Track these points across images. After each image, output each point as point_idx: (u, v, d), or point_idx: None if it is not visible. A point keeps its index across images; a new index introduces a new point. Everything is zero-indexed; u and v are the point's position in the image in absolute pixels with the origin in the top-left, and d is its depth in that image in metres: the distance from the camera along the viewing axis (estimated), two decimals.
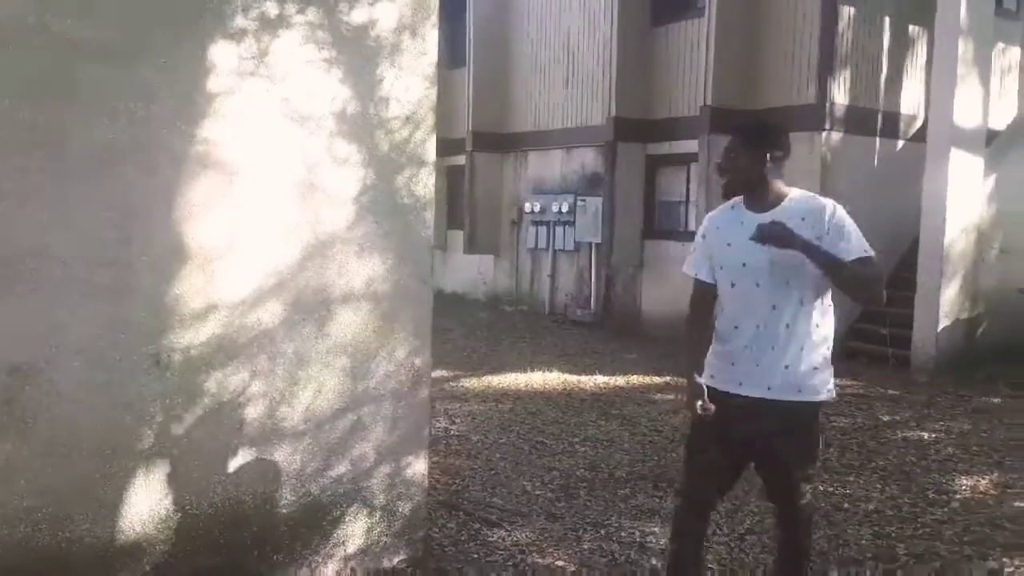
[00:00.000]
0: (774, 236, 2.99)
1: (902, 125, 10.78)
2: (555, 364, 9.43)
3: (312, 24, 3.52)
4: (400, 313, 3.86)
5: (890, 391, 8.44)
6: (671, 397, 8.03)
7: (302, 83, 3.51)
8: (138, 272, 3.17)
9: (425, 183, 3.87)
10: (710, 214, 3.41)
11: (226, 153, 3.34)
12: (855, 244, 3.05)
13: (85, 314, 3.06)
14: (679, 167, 11.70)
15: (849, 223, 3.09)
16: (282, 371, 3.55)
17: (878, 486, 5.49)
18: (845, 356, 9.68)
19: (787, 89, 10.25)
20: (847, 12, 10.01)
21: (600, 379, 8.83)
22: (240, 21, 3.34)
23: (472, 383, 8.53)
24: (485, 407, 7.52)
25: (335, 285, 3.66)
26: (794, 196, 3.19)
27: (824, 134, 10.01)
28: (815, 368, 3.15)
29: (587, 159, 12.83)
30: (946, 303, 9.06)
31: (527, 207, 13.69)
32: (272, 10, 3.42)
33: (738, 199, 3.27)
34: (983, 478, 5.67)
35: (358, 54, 3.65)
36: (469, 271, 15.17)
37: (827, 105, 9.95)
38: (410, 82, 3.79)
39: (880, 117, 10.54)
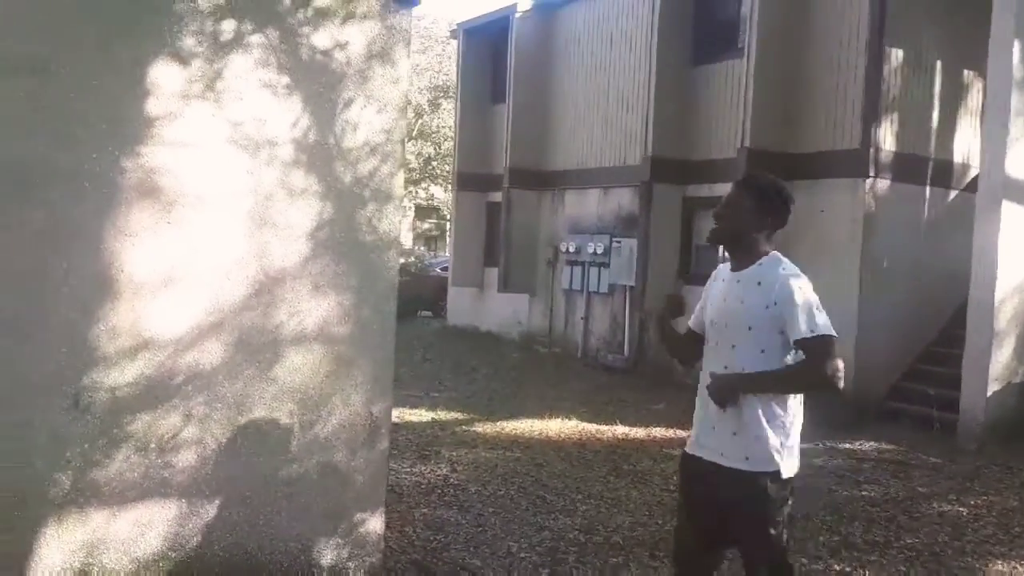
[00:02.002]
0: (715, 394, 2.88)
1: (955, 174, 10.21)
2: (576, 411, 9.03)
3: (268, 46, 3.31)
4: (358, 358, 3.58)
5: (932, 459, 7.82)
6: None
7: (255, 108, 3.30)
8: (57, 305, 2.95)
9: (391, 219, 3.61)
10: (719, 267, 3.20)
11: (165, 180, 3.13)
12: (801, 323, 2.82)
13: None
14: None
15: (800, 300, 2.84)
16: (220, 416, 3.29)
17: (902, 568, 4.97)
18: (886, 417, 9.09)
19: (829, 133, 9.79)
20: (895, 55, 9.56)
21: (620, 430, 8.40)
22: (185, 40, 3.15)
23: (485, 428, 8.19)
24: (492, 455, 7.16)
25: (284, 325, 3.40)
26: (765, 260, 2.95)
27: (868, 181, 9.50)
28: (764, 436, 2.88)
29: (623, 199, 12.50)
30: (997, 365, 8.42)
31: (563, 247, 13.39)
32: (223, 29, 3.22)
33: None
34: (1021, 564, 5.10)
35: (319, 80, 3.43)
36: (504, 310, 14.88)
37: (872, 151, 9.46)
38: (378, 111, 3.55)
39: (931, 165, 10.00)
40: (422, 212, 38.93)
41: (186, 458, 3.23)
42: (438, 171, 32.08)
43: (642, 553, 4.96)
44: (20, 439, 2.91)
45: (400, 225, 3.65)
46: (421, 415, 8.55)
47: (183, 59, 3.16)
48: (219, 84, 3.22)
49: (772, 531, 2.89)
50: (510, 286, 14.29)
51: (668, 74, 11.34)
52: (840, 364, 2.84)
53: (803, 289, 2.86)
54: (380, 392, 3.64)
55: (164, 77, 3.12)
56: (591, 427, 8.40)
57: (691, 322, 3.20)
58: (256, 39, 3.29)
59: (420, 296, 18.43)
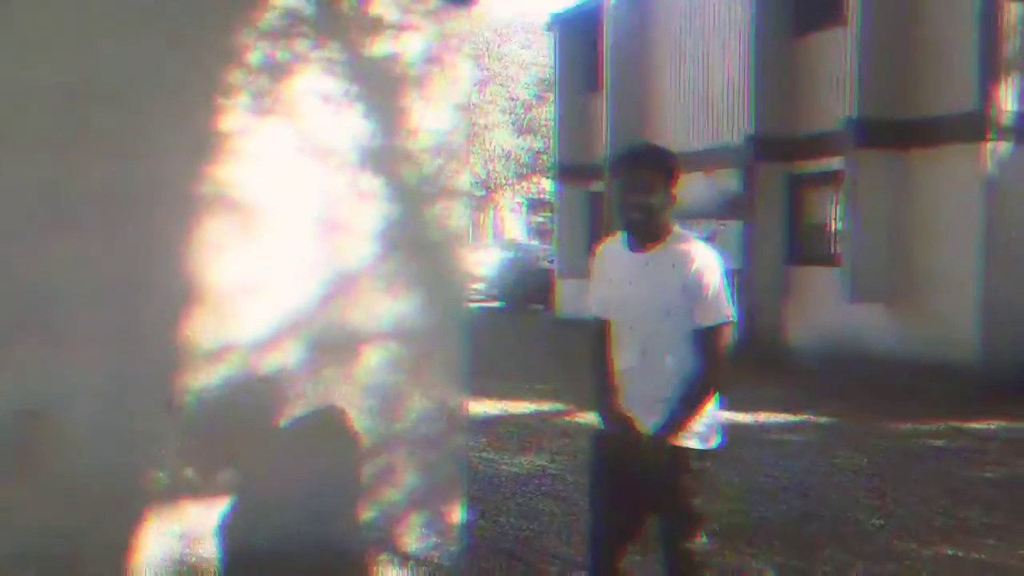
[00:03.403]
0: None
1: None
2: None
3: (331, 59, 3.44)
4: (433, 354, 3.68)
5: None
6: (800, 439, 7.37)
7: (321, 118, 3.44)
8: (148, 313, 3.18)
9: (459, 216, 3.69)
10: (603, 245, 3.14)
11: (241, 191, 3.31)
12: (711, 308, 2.80)
13: (95, 356, 3.09)
14: (824, 187, 10.87)
15: (715, 282, 2.80)
16: (302, 414, 3.45)
17: (1021, 552, 4.69)
18: (1022, 395, 8.55)
19: (944, 96, 9.26)
20: (1013, 8, 8.93)
21: (725, 415, 8.21)
22: (253, 57, 3.31)
23: (587, 418, 8.18)
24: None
25: (360, 325, 3.54)
26: (672, 237, 2.90)
27: (989, 145, 8.94)
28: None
29: (727, 181, 12.21)
30: None
31: None
32: (287, 45, 3.37)
33: (621, 233, 3.01)
34: None
35: (382, 86, 3.54)
36: None
37: (992, 112, 8.89)
38: (440, 112, 3.63)
39: None
40: (534, 206, 39.13)
41: (272, 453, 3.41)
42: (548, 164, 32.21)
43: (738, 542, 4.86)
44: (121, 437, 3.15)
45: (467, 221, 3.73)
46: (524, 407, 8.65)
47: (253, 76, 3.33)
48: (287, 97, 3.37)
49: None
50: None
51: (768, 48, 11.05)
52: (726, 349, 2.82)
53: (715, 270, 2.80)
54: (456, 386, 3.73)
55: (236, 94, 3.30)
56: None
57: (598, 310, 3.05)
58: (319, 52, 3.43)
59: (530, 289, 18.59)
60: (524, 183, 34.65)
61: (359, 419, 3.56)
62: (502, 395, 8.89)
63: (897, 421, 8.00)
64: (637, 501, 2.98)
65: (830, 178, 10.54)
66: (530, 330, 15.24)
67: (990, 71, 8.91)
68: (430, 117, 3.61)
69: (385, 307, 3.58)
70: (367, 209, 3.54)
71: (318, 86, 3.42)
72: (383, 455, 3.61)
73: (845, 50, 9.94)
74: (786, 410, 8.48)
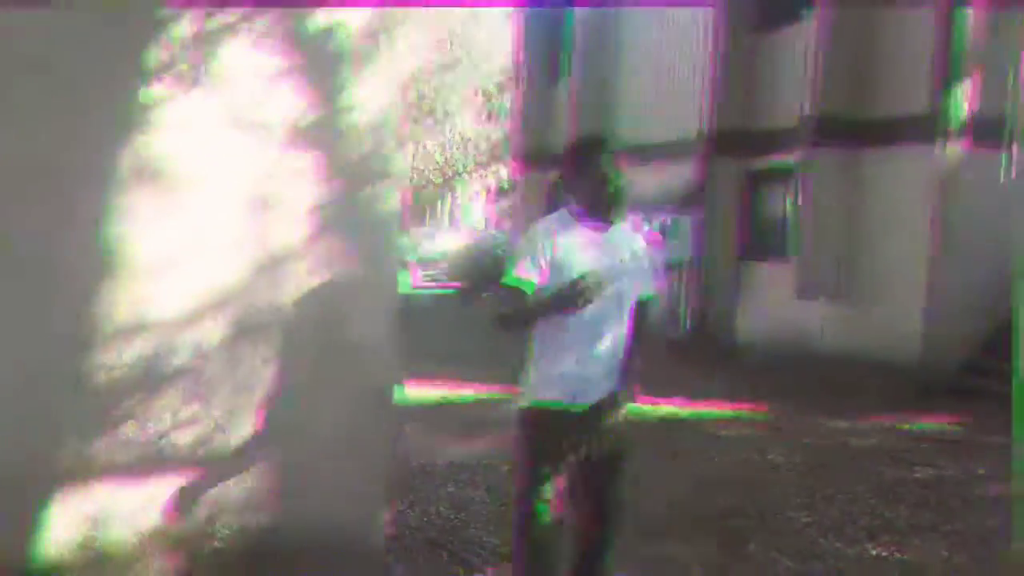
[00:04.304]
0: None
1: None
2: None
3: (262, 30, 3.33)
4: (364, 338, 3.59)
5: (1000, 439, 7.44)
6: (736, 432, 7.43)
7: (251, 91, 3.34)
8: (60, 285, 3.06)
9: (393, 198, 3.61)
10: (549, 221, 3.22)
11: (163, 163, 3.21)
12: (652, 280, 3.29)
13: (5, 332, 2.97)
14: (779, 183, 10.95)
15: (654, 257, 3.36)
16: (223, 396, 3.36)
17: (944, 553, 4.76)
18: (961, 394, 8.70)
19: (899, 97, 9.32)
20: (969, 13, 9.01)
21: (669, 408, 8.25)
22: (180, 27, 3.19)
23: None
24: None
25: (287, 306, 3.45)
26: (620, 222, 3.19)
27: (941, 147, 9.00)
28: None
29: (682, 173, 12.24)
30: None
31: None
32: (215, 15, 3.25)
33: (565, 211, 3.18)
34: None
35: (316, 61, 3.44)
36: None
37: (945, 115, 8.96)
38: (376, 90, 3.54)
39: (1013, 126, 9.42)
40: (498, 193, 38.96)
41: (186, 438, 3.31)
42: (508, 152, 31.99)
43: (664, 534, 4.83)
44: (24, 417, 3.03)
45: (399, 203, 3.66)
46: (469, 394, 8.59)
47: (179, 46, 3.22)
48: (217, 69, 3.27)
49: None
50: None
51: (729, 43, 11.10)
52: None
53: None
54: (387, 372, 3.66)
55: (160, 64, 3.19)
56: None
57: (539, 279, 3.04)
58: (252, 23, 3.32)
59: (485, 276, 18.54)
60: (484, 171, 34.47)
61: (285, 404, 3.47)
62: (444, 381, 8.82)
63: (835, 418, 8.09)
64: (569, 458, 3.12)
65: (785, 174, 10.60)
66: (480, 316, 15.18)
67: (945, 74, 8.97)
68: (366, 95, 3.52)
69: (314, 288, 3.49)
70: (298, 186, 3.45)
71: (248, 57, 3.32)
72: (310, 441, 3.52)
73: (805, 48, 9.98)
74: (727, 403, 8.53)
